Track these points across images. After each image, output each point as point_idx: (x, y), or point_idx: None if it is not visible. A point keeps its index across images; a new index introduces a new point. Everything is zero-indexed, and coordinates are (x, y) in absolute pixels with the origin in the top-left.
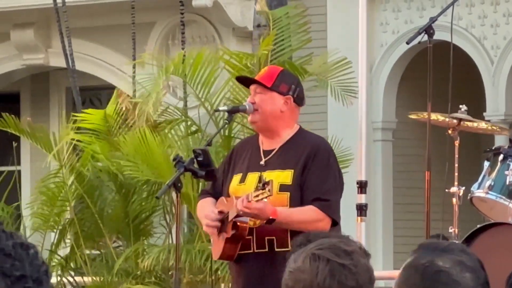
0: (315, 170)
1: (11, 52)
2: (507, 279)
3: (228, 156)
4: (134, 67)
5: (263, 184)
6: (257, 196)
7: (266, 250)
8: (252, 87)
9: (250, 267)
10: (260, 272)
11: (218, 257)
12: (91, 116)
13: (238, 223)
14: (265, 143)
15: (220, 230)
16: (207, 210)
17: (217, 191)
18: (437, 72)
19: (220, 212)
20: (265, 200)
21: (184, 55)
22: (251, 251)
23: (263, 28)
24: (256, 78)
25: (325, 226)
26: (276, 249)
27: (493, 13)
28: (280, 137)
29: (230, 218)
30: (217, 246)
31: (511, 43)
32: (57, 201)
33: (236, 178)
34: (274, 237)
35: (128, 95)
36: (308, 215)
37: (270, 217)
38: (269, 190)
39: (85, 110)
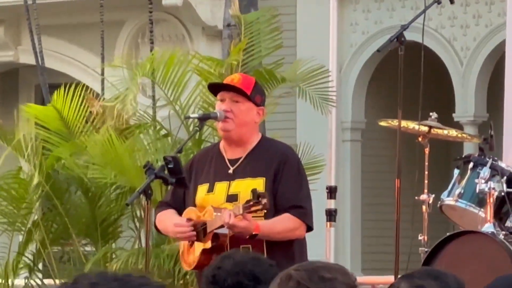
0: (288, 178)
1: None
2: None
3: (187, 168)
4: (102, 63)
5: (257, 196)
6: (248, 208)
7: None
8: (228, 94)
9: None
10: None
11: (193, 267)
12: (40, 113)
13: (220, 235)
14: (229, 152)
15: (193, 240)
16: (175, 219)
17: (178, 202)
18: (407, 73)
19: (189, 220)
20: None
21: (152, 52)
22: None
23: (233, 27)
24: (235, 86)
25: (302, 233)
26: None
27: (463, 14)
28: (246, 146)
29: (209, 229)
30: (189, 256)
31: (481, 45)
32: (24, 202)
33: (202, 188)
34: (249, 246)
35: (96, 98)
36: (287, 224)
37: (253, 233)
38: (264, 204)
39: (29, 104)
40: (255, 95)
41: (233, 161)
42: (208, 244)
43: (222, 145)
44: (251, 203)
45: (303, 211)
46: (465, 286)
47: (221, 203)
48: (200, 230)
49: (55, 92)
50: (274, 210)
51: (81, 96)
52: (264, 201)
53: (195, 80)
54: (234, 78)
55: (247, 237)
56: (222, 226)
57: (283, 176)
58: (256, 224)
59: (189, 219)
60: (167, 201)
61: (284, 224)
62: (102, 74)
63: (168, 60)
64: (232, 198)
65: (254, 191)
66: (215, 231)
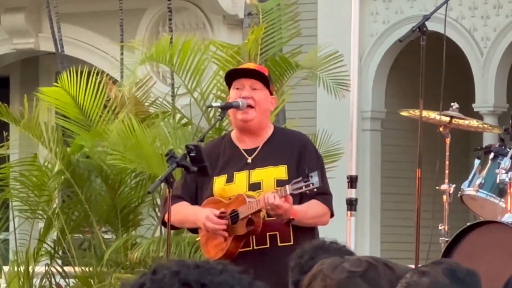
0: (310, 165)
1: (1, 36)
2: (504, 286)
3: None
4: (122, 49)
5: (307, 176)
6: (299, 188)
7: (267, 246)
8: (248, 82)
9: (249, 265)
10: (260, 269)
11: (221, 256)
12: (50, 97)
13: (255, 220)
14: (243, 142)
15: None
16: (203, 210)
17: (189, 195)
18: (427, 63)
19: (223, 213)
20: (307, 192)
21: (171, 42)
22: (250, 248)
23: (254, 16)
24: (259, 70)
25: (328, 219)
26: (280, 244)
27: (484, 5)
28: (262, 135)
29: (243, 215)
30: (217, 245)
31: (501, 35)
32: (44, 189)
33: (220, 179)
34: (277, 232)
35: (113, 83)
36: (318, 210)
37: (291, 217)
38: (316, 181)
39: (41, 88)
40: (270, 84)
41: (249, 151)
42: (243, 230)
43: (234, 135)
44: (302, 182)
45: (328, 198)
46: (485, 275)
47: (243, 192)
48: (227, 218)
49: (64, 73)
50: (299, 197)
51: (97, 82)
52: (316, 179)
53: (213, 69)
54: (250, 66)
55: (284, 221)
56: (258, 211)
57: (305, 163)
58: (293, 209)
59: (223, 212)
60: (178, 195)
61: (314, 210)
62: (121, 62)
63: (184, 46)
64: (254, 187)
65: (303, 170)
66: (251, 216)
